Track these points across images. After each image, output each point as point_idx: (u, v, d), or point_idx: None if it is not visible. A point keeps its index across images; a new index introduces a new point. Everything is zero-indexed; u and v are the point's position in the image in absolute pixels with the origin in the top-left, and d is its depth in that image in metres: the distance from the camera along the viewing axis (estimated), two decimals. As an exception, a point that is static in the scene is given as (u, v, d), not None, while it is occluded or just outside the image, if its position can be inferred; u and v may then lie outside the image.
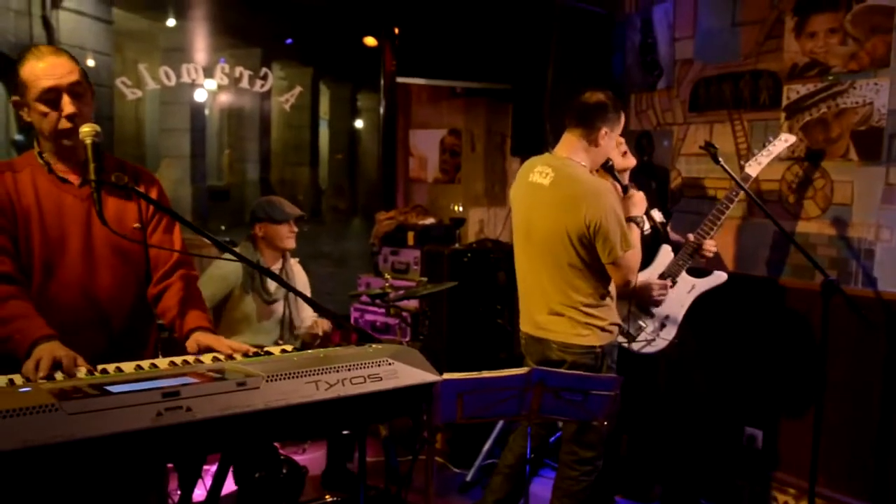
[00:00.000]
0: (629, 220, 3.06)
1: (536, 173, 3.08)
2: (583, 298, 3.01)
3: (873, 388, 3.38)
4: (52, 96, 2.12)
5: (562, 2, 4.25)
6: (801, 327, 3.61)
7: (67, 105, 2.13)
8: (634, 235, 3.04)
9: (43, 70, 2.12)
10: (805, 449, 3.27)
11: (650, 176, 4.23)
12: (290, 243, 3.68)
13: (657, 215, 3.63)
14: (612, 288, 3.11)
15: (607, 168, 3.14)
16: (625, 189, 3.17)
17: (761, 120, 3.76)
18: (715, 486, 3.89)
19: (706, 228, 3.40)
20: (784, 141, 3.41)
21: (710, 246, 3.43)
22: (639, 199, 3.16)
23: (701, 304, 3.56)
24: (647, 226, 3.22)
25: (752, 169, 3.36)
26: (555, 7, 4.09)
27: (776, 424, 3.76)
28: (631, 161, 3.44)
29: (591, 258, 2.98)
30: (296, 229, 3.68)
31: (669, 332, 3.41)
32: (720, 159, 3.33)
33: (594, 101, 3.03)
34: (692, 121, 4.07)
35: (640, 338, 3.37)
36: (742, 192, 3.33)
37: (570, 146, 3.08)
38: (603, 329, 3.04)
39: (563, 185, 2.99)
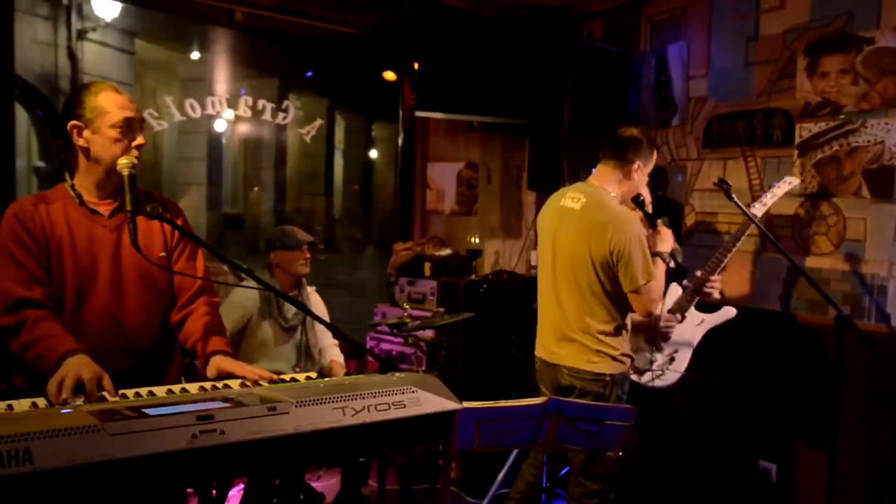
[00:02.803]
0: (655, 254, 3.12)
1: (568, 198, 3.18)
2: (599, 326, 3.06)
3: (888, 422, 3.40)
4: (128, 125, 2.28)
5: (578, 40, 4.36)
6: (814, 362, 3.64)
7: (140, 137, 2.30)
8: (659, 269, 3.10)
9: (123, 102, 2.29)
10: (819, 483, 3.28)
11: (664, 211, 4.29)
12: (304, 269, 3.77)
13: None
14: (629, 320, 3.16)
15: (638, 202, 3.21)
16: (653, 224, 3.23)
17: (774, 157, 3.83)
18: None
19: (712, 266, 3.46)
20: (788, 183, 3.46)
21: (713, 283, 3.48)
22: (667, 235, 3.23)
23: (715, 338, 3.60)
24: (671, 263, 3.28)
25: (758, 210, 3.41)
26: (571, 45, 4.20)
27: (790, 458, 3.77)
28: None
29: (612, 286, 3.03)
30: (308, 255, 3.77)
31: (680, 366, 3.45)
32: (733, 195, 3.39)
33: (629, 135, 3.15)
34: (706, 157, 4.14)
35: (648, 372, 3.42)
36: (748, 231, 3.43)
37: (603, 176, 3.18)
38: (614, 358, 3.09)
39: (592, 211, 3.07)
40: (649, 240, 3.13)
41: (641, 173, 3.16)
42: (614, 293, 3.05)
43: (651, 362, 3.41)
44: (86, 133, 2.27)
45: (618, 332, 3.11)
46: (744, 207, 3.38)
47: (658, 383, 3.41)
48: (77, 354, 2.04)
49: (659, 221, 3.24)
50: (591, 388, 3.04)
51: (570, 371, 3.10)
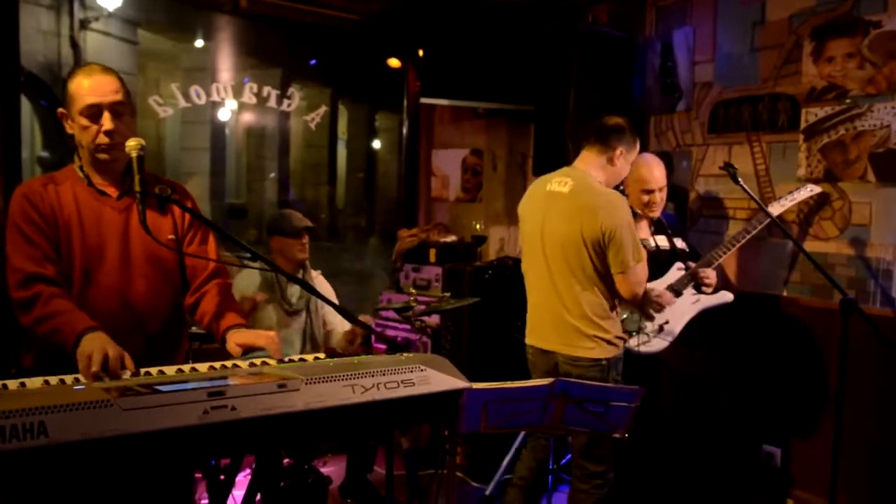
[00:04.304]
0: None
1: (555, 183, 3.20)
2: (594, 308, 3.09)
3: (892, 405, 3.41)
4: (94, 112, 2.24)
5: (584, 26, 4.36)
6: (819, 346, 3.65)
7: (107, 122, 2.24)
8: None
9: (90, 87, 2.24)
10: (824, 467, 3.29)
11: (670, 196, 4.28)
12: (303, 254, 3.76)
13: (679, 243, 3.73)
14: (617, 300, 3.19)
15: (618, 191, 3.24)
16: (633, 213, 3.26)
17: (780, 142, 3.83)
18: (733, 505, 3.91)
19: (709, 259, 3.54)
20: (810, 190, 3.57)
21: (707, 274, 3.53)
22: (644, 223, 3.26)
23: (720, 322, 3.61)
24: (678, 243, 3.30)
25: (775, 209, 3.49)
26: (577, 31, 4.19)
27: (794, 442, 3.78)
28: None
29: (603, 268, 3.07)
30: (306, 241, 3.76)
31: (667, 337, 3.49)
32: (739, 179, 3.40)
33: (612, 123, 3.18)
34: (711, 142, 4.14)
35: (637, 336, 3.45)
36: (755, 231, 3.52)
37: (587, 162, 3.21)
38: (609, 342, 3.12)
39: (582, 194, 3.10)
40: None
41: (624, 160, 3.19)
42: (605, 275, 3.09)
43: (640, 328, 3.44)
44: (68, 120, 2.30)
45: (611, 314, 3.15)
46: (749, 191, 3.41)
47: (644, 349, 3.45)
48: (96, 332, 2.06)
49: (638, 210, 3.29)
50: (588, 374, 3.06)
51: (566, 359, 3.13)
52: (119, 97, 2.27)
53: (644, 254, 3.09)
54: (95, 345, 1.97)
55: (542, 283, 3.22)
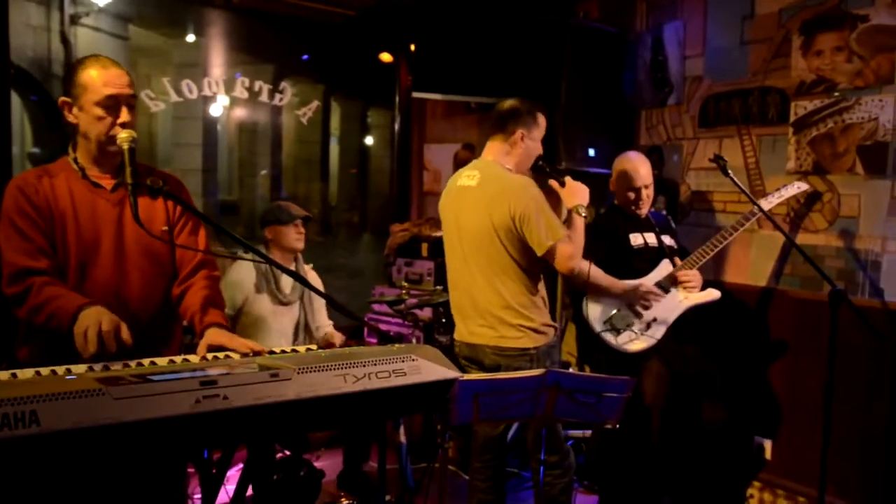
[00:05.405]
0: (569, 211, 3.15)
1: (464, 177, 3.21)
2: (514, 298, 3.07)
3: (881, 396, 3.44)
4: (111, 103, 2.25)
5: (575, 21, 4.37)
6: (808, 337, 3.67)
7: (125, 114, 2.27)
8: (576, 223, 3.10)
9: (106, 78, 2.26)
10: (814, 458, 3.31)
11: (660, 190, 4.30)
12: (298, 244, 3.78)
13: (667, 240, 3.74)
14: (542, 288, 3.18)
15: (538, 167, 3.24)
16: (561, 182, 3.23)
17: (769, 135, 3.85)
18: (724, 496, 3.93)
19: (700, 255, 3.54)
20: (797, 188, 3.58)
21: (689, 277, 3.54)
22: (577, 188, 3.21)
23: (711, 314, 3.62)
24: (666, 240, 3.29)
25: (763, 205, 3.48)
26: (568, 26, 4.20)
27: (785, 434, 3.81)
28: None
29: (519, 255, 3.05)
30: (303, 230, 3.78)
31: (655, 333, 3.50)
32: (729, 171, 3.42)
33: (507, 107, 3.18)
34: (701, 136, 4.16)
35: (624, 333, 3.46)
36: (744, 226, 3.53)
37: (493, 151, 3.21)
38: (536, 331, 3.10)
39: (489, 184, 3.10)
40: (562, 195, 3.16)
41: (529, 140, 3.17)
42: (525, 264, 3.07)
43: (628, 325, 3.45)
44: (74, 110, 2.29)
45: (535, 303, 3.13)
46: (739, 183, 3.43)
47: (629, 347, 3.46)
48: (93, 306, 2.07)
49: (567, 177, 3.24)
50: (516, 364, 3.04)
51: (493, 350, 3.10)
52: (132, 91, 2.32)
53: (575, 225, 3.07)
54: (90, 320, 1.99)
55: (464, 278, 3.19)
